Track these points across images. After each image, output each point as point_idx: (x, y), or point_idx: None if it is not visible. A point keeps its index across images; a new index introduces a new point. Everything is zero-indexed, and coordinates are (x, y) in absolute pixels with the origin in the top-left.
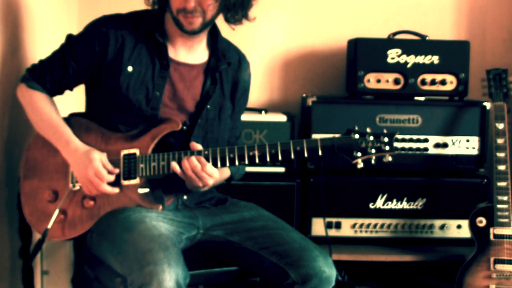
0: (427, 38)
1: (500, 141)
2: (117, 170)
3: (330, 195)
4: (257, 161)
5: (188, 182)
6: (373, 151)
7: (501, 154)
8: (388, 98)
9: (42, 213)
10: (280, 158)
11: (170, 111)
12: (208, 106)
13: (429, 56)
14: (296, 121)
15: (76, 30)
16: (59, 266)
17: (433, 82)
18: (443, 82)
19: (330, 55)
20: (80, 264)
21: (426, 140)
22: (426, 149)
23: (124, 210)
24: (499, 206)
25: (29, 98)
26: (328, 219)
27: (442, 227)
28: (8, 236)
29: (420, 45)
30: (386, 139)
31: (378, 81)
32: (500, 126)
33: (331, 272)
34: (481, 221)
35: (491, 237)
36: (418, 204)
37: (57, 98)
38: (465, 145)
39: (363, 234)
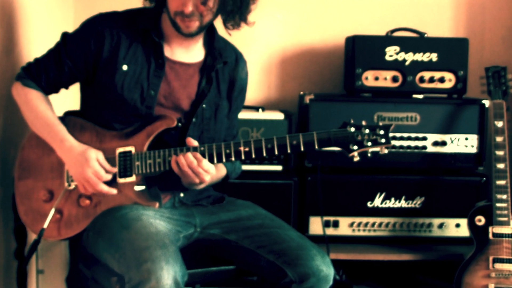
0: (426, 35)
1: (499, 139)
2: (115, 169)
3: (328, 193)
4: (253, 156)
5: (185, 179)
6: (369, 143)
7: (500, 152)
8: (386, 96)
9: (38, 213)
10: (276, 152)
11: (165, 110)
12: (204, 106)
13: (427, 54)
14: (293, 119)
15: (71, 28)
16: (55, 265)
17: (431, 80)
18: (441, 80)
19: (328, 53)
20: (75, 263)
21: (424, 138)
22: (424, 147)
23: (121, 208)
24: (498, 204)
25: (24, 97)
26: (325, 218)
27: (440, 226)
28: (3, 237)
29: (418, 42)
30: (382, 132)
31: (376, 78)
32: (499, 124)
33: (328, 271)
34: (480, 220)
35: (490, 236)
36: (417, 202)
37: (52, 97)
38: (463, 143)
39: (361, 233)
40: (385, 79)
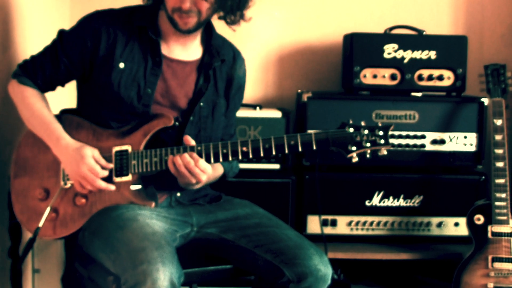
0: (424, 33)
1: (498, 137)
2: (111, 165)
3: (326, 192)
4: (250, 156)
5: (181, 179)
6: (368, 144)
7: (499, 151)
8: (385, 94)
9: (33, 211)
10: (274, 152)
11: (163, 109)
12: (201, 104)
13: (426, 51)
14: (291, 117)
15: (67, 25)
16: (50, 264)
17: (430, 78)
18: (440, 78)
19: (326, 50)
20: (70, 262)
21: (423, 137)
22: (423, 145)
23: (117, 208)
24: (497, 203)
25: (20, 94)
26: (323, 217)
27: (439, 224)
28: None
29: (417, 40)
30: (381, 132)
31: (375, 76)
32: (498, 122)
33: (326, 271)
34: (479, 219)
35: (489, 235)
36: (415, 201)
37: (48, 94)
38: (462, 142)
39: (359, 232)
40: (384, 77)
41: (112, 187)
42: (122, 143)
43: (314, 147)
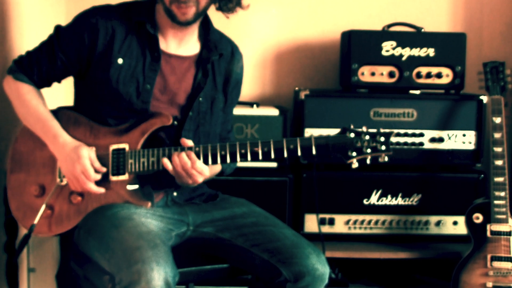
0: (423, 30)
1: (497, 135)
2: (104, 169)
3: (324, 190)
4: (249, 159)
5: (178, 179)
6: (369, 150)
7: (498, 149)
8: (383, 91)
9: (29, 208)
10: (273, 156)
11: (161, 105)
12: (200, 99)
13: (424, 49)
14: (288, 115)
15: (63, 20)
16: (46, 263)
17: (428, 75)
18: (439, 75)
19: (324, 48)
20: (66, 260)
21: (421, 135)
22: (421, 143)
23: (112, 207)
24: (496, 202)
25: (16, 91)
26: (321, 216)
27: (438, 223)
28: None
29: (415, 37)
30: (382, 139)
31: (373, 74)
32: (497, 120)
33: (324, 270)
34: (478, 218)
35: (488, 233)
36: (414, 200)
37: (44, 91)
38: (461, 140)
39: (357, 231)
40: (382, 74)
41: (101, 190)
42: (119, 141)
43: (314, 152)
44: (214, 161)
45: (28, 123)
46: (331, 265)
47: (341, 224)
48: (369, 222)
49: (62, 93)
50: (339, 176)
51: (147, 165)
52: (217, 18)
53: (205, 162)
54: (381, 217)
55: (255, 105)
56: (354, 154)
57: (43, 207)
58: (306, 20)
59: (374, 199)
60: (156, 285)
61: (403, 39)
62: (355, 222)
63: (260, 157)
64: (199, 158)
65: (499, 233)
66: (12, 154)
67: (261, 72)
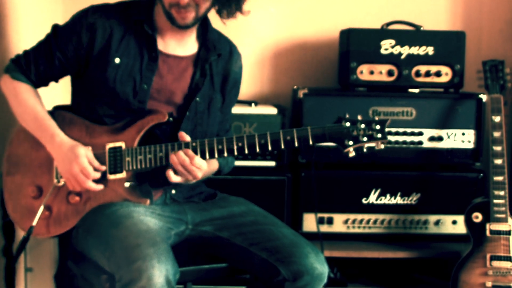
0: (422, 28)
1: (496, 134)
2: (103, 168)
3: (322, 189)
4: (246, 152)
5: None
6: (365, 139)
7: (497, 148)
8: (382, 90)
9: (26, 209)
10: (270, 148)
11: (158, 104)
12: (198, 99)
13: (423, 47)
14: (287, 114)
15: (61, 19)
16: (43, 263)
17: (427, 74)
18: (438, 74)
19: (322, 46)
20: (64, 260)
21: (420, 134)
22: (420, 142)
23: (111, 205)
24: (495, 201)
25: (13, 90)
26: (319, 215)
27: (437, 222)
28: None
29: (414, 35)
30: (378, 127)
31: (371, 72)
32: (497, 119)
33: (323, 269)
34: (477, 217)
35: (488, 233)
36: (412, 199)
37: (41, 90)
38: (460, 139)
39: (356, 230)
40: (380, 73)
41: (100, 187)
42: (115, 139)
43: (311, 142)
44: (212, 156)
45: (25, 123)
46: (329, 264)
47: (339, 223)
48: (368, 221)
49: (60, 92)
50: (337, 175)
51: (145, 162)
52: (215, 17)
53: (203, 157)
54: (380, 217)
55: (253, 104)
56: (350, 143)
57: (41, 208)
58: (304, 18)
59: (373, 198)
60: (157, 282)
61: (402, 38)
62: (354, 221)
63: (258, 149)
64: (196, 153)
65: (498, 232)
66: (8, 156)
67: (259, 71)
